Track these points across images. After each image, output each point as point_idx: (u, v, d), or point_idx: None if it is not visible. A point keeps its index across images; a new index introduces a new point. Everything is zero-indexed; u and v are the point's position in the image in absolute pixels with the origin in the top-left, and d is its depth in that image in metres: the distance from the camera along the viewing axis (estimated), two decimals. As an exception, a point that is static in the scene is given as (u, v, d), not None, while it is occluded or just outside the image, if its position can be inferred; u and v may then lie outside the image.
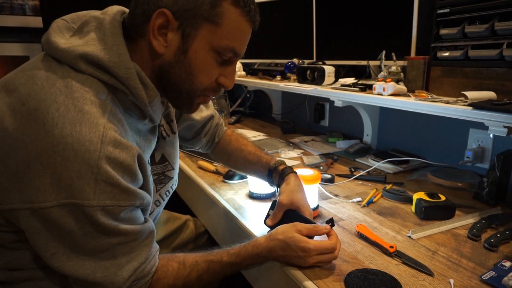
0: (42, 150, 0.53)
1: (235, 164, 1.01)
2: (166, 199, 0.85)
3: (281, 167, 0.90)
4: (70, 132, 0.53)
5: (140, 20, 0.63)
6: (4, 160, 0.54)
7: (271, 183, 0.93)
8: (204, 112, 1.00)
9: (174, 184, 0.87)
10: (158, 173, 0.81)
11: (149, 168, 0.69)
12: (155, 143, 0.76)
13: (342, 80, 1.49)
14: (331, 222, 0.77)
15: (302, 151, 1.54)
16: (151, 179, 0.68)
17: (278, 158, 0.95)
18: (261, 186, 1.04)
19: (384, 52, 1.30)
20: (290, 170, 0.90)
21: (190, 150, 1.12)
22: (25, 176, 0.54)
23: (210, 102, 1.03)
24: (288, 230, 0.73)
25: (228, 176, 1.18)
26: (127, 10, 0.67)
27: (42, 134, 0.53)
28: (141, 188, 0.63)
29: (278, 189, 0.89)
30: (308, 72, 1.54)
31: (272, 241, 0.72)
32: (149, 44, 0.63)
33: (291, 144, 1.64)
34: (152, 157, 0.78)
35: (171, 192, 0.87)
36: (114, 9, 0.66)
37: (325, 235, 0.75)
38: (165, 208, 1.20)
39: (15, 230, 0.60)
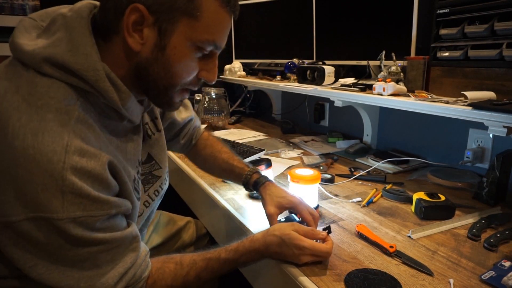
0: (4, 164, 0.51)
1: (211, 170, 0.99)
2: (156, 199, 0.83)
3: (254, 178, 0.89)
4: (32, 143, 0.51)
5: (112, 15, 0.58)
6: None
7: (249, 191, 0.92)
8: (183, 113, 0.98)
9: (164, 183, 0.84)
10: (145, 173, 0.79)
11: (132, 171, 0.67)
12: (141, 142, 0.74)
13: (342, 80, 1.49)
14: (328, 229, 0.78)
15: (302, 151, 1.55)
16: (130, 184, 0.64)
17: (251, 166, 0.94)
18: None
19: (384, 52, 1.30)
20: (264, 180, 0.89)
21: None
22: None
23: (189, 104, 1.01)
24: (285, 228, 0.73)
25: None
26: (98, 3, 0.62)
27: (3, 147, 0.51)
28: (118, 195, 0.60)
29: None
30: (308, 72, 1.54)
31: (269, 236, 0.72)
32: (124, 42, 0.59)
33: (291, 144, 1.65)
34: None
35: (162, 192, 0.84)
36: (82, 4, 0.61)
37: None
38: (166, 210, 1.21)
39: None
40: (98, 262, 0.57)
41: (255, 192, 0.92)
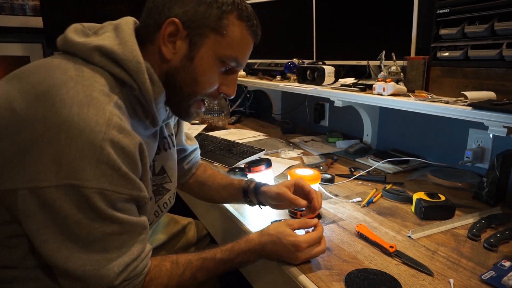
0: (47, 129, 0.54)
1: (210, 192, 1.01)
2: (164, 211, 0.87)
3: (254, 184, 0.93)
4: (78, 113, 0.55)
5: (151, 28, 0.68)
6: (9, 140, 0.55)
7: (249, 202, 0.94)
8: (193, 142, 1.04)
9: (171, 197, 0.88)
10: (157, 184, 0.82)
11: (148, 163, 0.69)
12: (155, 149, 0.77)
13: (342, 80, 1.49)
14: (318, 216, 0.80)
15: (302, 151, 1.55)
16: (149, 174, 0.68)
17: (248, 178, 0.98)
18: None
19: (384, 52, 1.30)
20: (263, 183, 0.92)
21: None
22: (27, 155, 0.54)
23: (194, 137, 1.06)
24: (279, 226, 0.74)
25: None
26: (137, 22, 0.72)
27: (49, 114, 0.55)
28: (140, 179, 0.63)
29: (261, 206, 0.92)
30: (308, 72, 1.54)
31: (264, 236, 0.74)
32: (158, 50, 0.68)
33: (291, 144, 1.65)
34: (152, 167, 0.78)
35: (169, 206, 0.88)
36: (131, 19, 0.71)
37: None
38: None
39: (9, 221, 0.59)
40: (107, 246, 0.59)
41: (251, 203, 0.94)
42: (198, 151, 1.05)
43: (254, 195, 0.91)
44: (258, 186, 0.91)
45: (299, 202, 0.83)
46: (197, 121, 1.95)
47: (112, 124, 0.56)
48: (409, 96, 1.14)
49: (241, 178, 0.96)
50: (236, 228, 0.94)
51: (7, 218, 0.59)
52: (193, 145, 1.02)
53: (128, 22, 0.69)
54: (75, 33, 0.67)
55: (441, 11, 1.11)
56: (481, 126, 0.92)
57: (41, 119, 0.54)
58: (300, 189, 0.87)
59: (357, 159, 1.42)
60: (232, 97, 0.77)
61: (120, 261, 0.59)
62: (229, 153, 1.40)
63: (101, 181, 0.55)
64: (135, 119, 0.67)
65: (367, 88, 1.31)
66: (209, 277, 0.72)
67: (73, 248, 0.57)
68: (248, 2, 0.72)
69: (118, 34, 0.65)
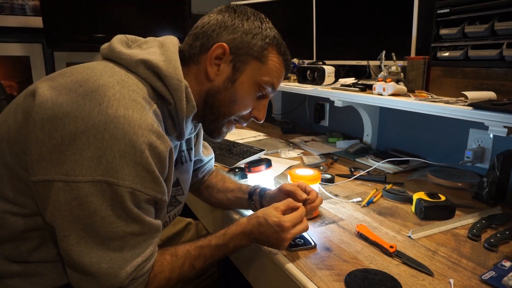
0: (92, 126, 0.56)
1: (217, 193, 1.03)
2: (171, 223, 0.90)
3: (259, 188, 0.95)
4: (123, 114, 0.58)
5: (197, 50, 0.74)
6: (50, 132, 0.57)
7: (252, 206, 0.95)
8: (209, 151, 1.07)
9: (180, 210, 0.92)
10: (171, 196, 0.83)
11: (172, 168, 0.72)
12: (173, 162, 0.78)
13: (342, 80, 1.49)
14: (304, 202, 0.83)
15: (302, 151, 1.54)
16: (172, 177, 0.71)
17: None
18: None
19: (384, 52, 1.30)
20: (268, 188, 0.94)
21: None
22: (67, 149, 0.56)
23: (210, 147, 1.09)
24: (267, 208, 0.78)
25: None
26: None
27: (95, 111, 0.57)
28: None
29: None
30: (308, 72, 1.54)
31: (252, 219, 0.77)
32: (202, 71, 0.74)
33: (291, 144, 1.64)
34: None
35: (176, 217, 0.93)
36: (174, 38, 0.77)
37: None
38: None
39: (32, 214, 0.62)
40: (124, 245, 0.61)
41: (254, 206, 0.94)
42: (213, 160, 1.09)
43: (258, 196, 0.93)
44: (264, 190, 0.94)
45: (299, 193, 0.86)
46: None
47: (152, 129, 0.60)
48: (409, 96, 1.14)
49: (249, 184, 0.98)
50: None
51: (32, 211, 0.62)
52: (209, 155, 1.05)
53: (173, 41, 0.74)
54: (120, 43, 0.71)
55: (441, 11, 1.11)
56: (481, 126, 0.92)
57: (86, 116, 0.57)
58: (302, 189, 0.89)
59: (357, 159, 1.42)
60: (260, 122, 0.84)
61: (134, 262, 0.62)
62: (229, 153, 1.40)
63: (135, 181, 0.59)
64: (163, 130, 0.69)
65: (367, 88, 1.31)
66: (207, 265, 0.74)
67: (92, 245, 0.59)
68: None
69: (163, 51, 0.70)
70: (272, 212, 0.76)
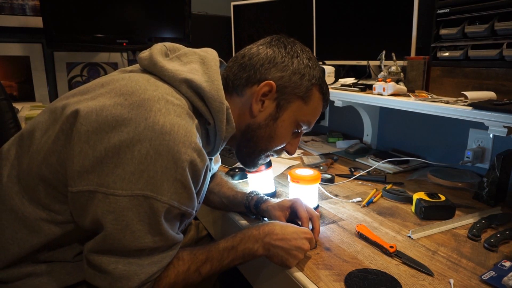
0: (137, 141, 0.57)
1: (214, 197, 1.01)
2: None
3: (256, 198, 0.93)
4: (169, 131, 0.58)
5: (242, 82, 0.74)
6: (95, 145, 0.58)
7: (250, 213, 0.94)
8: (218, 161, 1.04)
9: (190, 221, 0.91)
10: None
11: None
12: (206, 178, 0.79)
13: (342, 80, 1.49)
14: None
15: (302, 151, 1.54)
16: (202, 191, 0.72)
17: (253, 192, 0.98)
18: (261, 186, 1.04)
19: (384, 52, 1.30)
20: (265, 198, 0.92)
21: None
22: (110, 162, 0.57)
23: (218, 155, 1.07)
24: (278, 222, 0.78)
25: (228, 176, 1.18)
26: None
27: (142, 126, 0.58)
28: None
29: (264, 219, 0.91)
30: (308, 72, 1.53)
31: (265, 224, 0.75)
32: (246, 105, 0.74)
33: (291, 144, 1.64)
34: None
35: (187, 224, 0.92)
36: (214, 53, 0.76)
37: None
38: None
39: (66, 221, 0.64)
40: (142, 254, 0.61)
41: (253, 216, 0.93)
42: (219, 165, 1.08)
43: (255, 210, 0.91)
44: (258, 203, 0.91)
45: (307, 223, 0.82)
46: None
47: (196, 148, 0.61)
48: (409, 96, 1.14)
49: (244, 192, 0.96)
50: (236, 228, 0.94)
51: (66, 218, 0.64)
52: (217, 164, 1.04)
53: (214, 58, 0.73)
54: (160, 55, 0.71)
55: (441, 11, 1.11)
56: (481, 126, 0.92)
57: (131, 131, 0.58)
58: (295, 211, 0.85)
59: (357, 159, 1.42)
60: (292, 155, 0.84)
61: (149, 269, 0.62)
62: (229, 153, 1.40)
63: (172, 197, 0.59)
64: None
65: (367, 88, 1.31)
66: (214, 270, 0.71)
67: (112, 250, 0.60)
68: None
69: (206, 70, 0.70)
70: (286, 223, 0.77)
